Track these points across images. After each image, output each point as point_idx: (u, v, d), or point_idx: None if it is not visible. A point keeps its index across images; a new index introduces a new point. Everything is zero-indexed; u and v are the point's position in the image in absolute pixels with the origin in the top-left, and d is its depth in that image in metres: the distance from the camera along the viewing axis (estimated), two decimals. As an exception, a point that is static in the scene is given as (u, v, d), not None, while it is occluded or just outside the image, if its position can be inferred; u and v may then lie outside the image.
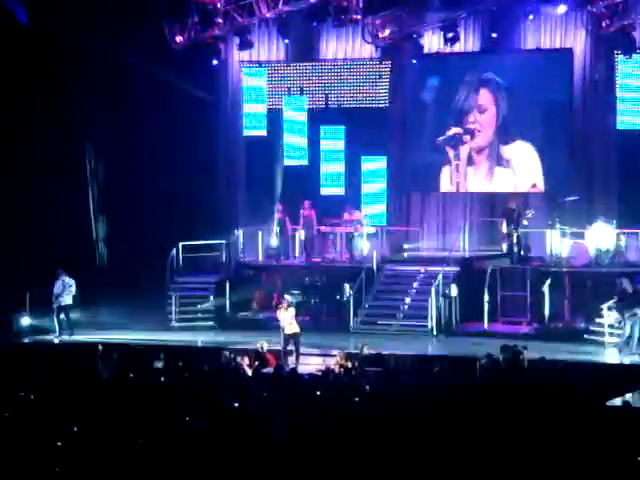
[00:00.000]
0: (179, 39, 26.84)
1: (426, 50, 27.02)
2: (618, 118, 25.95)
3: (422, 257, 26.69)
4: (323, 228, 27.04)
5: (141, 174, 28.25)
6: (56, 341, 23.78)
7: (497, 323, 24.15)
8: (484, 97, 26.91)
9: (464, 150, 27.11)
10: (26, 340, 23.88)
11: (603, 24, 24.45)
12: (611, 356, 21.26)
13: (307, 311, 24.63)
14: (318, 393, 16.19)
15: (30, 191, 26.58)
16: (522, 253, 25.29)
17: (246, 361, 20.30)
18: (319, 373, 19.05)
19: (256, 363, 20.29)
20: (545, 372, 17.75)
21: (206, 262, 27.09)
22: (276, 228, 27.44)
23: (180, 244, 26.37)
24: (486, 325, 23.93)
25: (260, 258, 28.00)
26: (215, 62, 27.88)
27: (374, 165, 28.26)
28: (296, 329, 21.42)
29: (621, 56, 25.35)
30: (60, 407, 14.91)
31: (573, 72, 26.32)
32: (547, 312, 23.70)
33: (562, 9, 24.59)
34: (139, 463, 12.34)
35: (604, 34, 24.90)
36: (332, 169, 28.52)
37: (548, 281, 23.67)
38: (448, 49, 26.65)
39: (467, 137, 27.00)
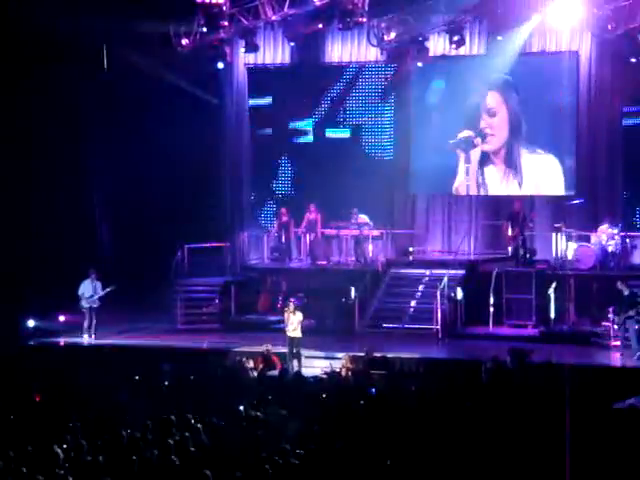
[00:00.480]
0: (184, 42, 26.78)
1: (432, 53, 26.97)
2: (624, 121, 25.98)
3: (427, 260, 26.66)
4: (328, 231, 27.02)
5: (146, 177, 28.23)
6: (86, 342, 23.76)
7: (502, 326, 24.14)
8: (493, 99, 26.79)
9: (475, 153, 26.96)
10: (31, 342, 23.85)
11: (609, 27, 24.40)
12: (617, 359, 21.23)
13: (312, 314, 24.59)
14: (324, 396, 16.21)
15: (34, 194, 26.58)
16: (527, 256, 25.29)
17: (251, 364, 20.32)
18: (324, 376, 19.07)
19: (261, 366, 20.30)
20: (551, 375, 17.71)
21: (211, 265, 27.08)
22: (281, 231, 27.47)
23: (185, 247, 26.38)
24: (491, 328, 23.92)
25: (265, 261, 28.03)
26: (220, 65, 27.88)
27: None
28: (298, 334, 21.39)
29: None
30: (64, 409, 14.93)
31: (579, 75, 26.27)
32: (552, 315, 23.68)
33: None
34: (146, 466, 12.35)
35: (610, 37, 24.85)
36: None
37: (554, 284, 23.66)
38: (454, 52, 26.62)
39: (478, 140, 26.86)
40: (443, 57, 27.12)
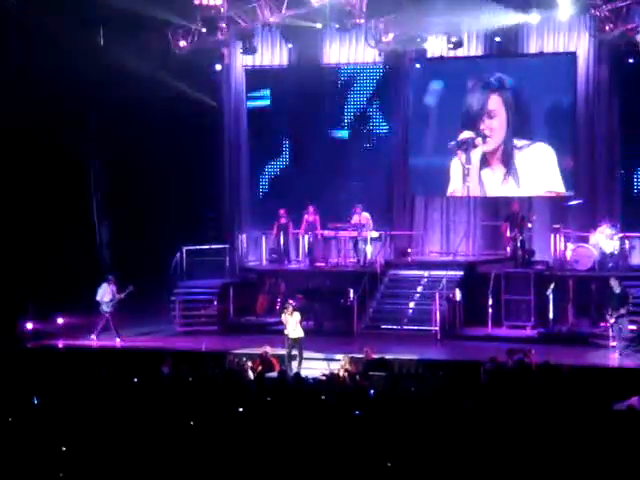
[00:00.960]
0: (182, 44, 26.86)
1: (430, 54, 27.00)
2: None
3: (426, 261, 26.66)
4: (327, 232, 27.02)
5: (144, 179, 28.21)
6: (119, 344, 23.81)
7: (501, 327, 24.14)
8: (492, 101, 26.76)
9: (476, 154, 26.94)
10: (30, 345, 23.84)
11: (607, 28, 24.43)
12: (615, 360, 21.24)
13: (311, 316, 24.57)
14: (323, 397, 16.20)
15: (33, 196, 26.54)
16: (526, 257, 25.30)
17: (250, 365, 20.31)
18: (324, 378, 19.05)
19: (260, 368, 20.29)
20: (550, 376, 17.72)
21: (210, 267, 27.08)
22: (280, 232, 27.48)
23: (184, 249, 26.38)
24: (490, 329, 23.92)
25: (264, 262, 28.04)
26: (218, 67, 27.89)
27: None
28: (300, 334, 21.42)
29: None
30: (65, 412, 14.91)
31: (577, 76, 26.28)
32: (551, 316, 23.66)
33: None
34: (143, 467, 12.34)
35: (607, 38, 24.87)
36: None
37: (552, 285, 23.64)
38: (452, 53, 26.64)
39: (479, 140, 26.82)
40: (441, 58, 27.14)
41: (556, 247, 25.11)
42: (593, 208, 26.12)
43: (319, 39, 28.08)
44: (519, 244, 25.21)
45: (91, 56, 27.07)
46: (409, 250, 27.11)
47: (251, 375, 19.77)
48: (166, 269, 26.13)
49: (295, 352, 21.32)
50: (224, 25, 26.45)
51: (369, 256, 26.55)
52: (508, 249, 25.60)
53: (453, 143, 27.03)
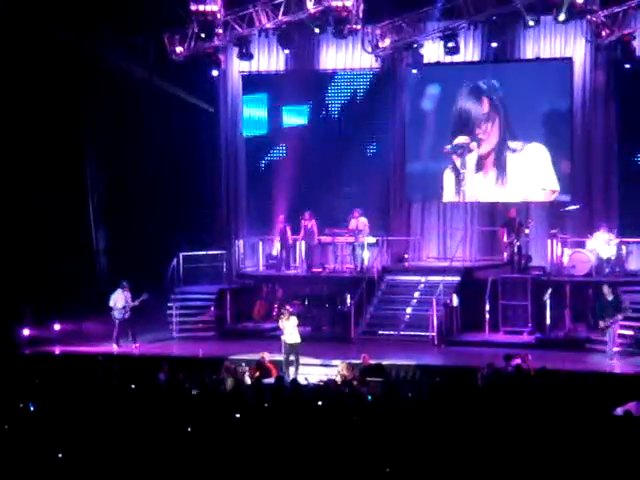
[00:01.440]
0: (179, 50, 26.88)
1: (426, 60, 27.01)
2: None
3: (423, 267, 26.66)
4: (324, 238, 27.01)
5: (141, 185, 28.24)
6: (136, 350, 23.76)
7: (498, 333, 24.14)
8: (487, 105, 26.83)
9: (471, 158, 26.99)
10: (26, 351, 23.80)
11: (603, 33, 24.45)
12: (612, 365, 21.23)
13: (308, 321, 24.56)
14: (319, 403, 16.18)
15: (30, 202, 26.53)
16: (523, 262, 25.30)
17: (247, 371, 20.30)
18: (321, 383, 19.04)
19: (257, 374, 20.28)
20: (548, 381, 17.72)
21: (207, 272, 27.06)
22: (277, 238, 27.48)
23: (181, 254, 26.36)
24: (487, 335, 23.92)
25: (261, 268, 28.03)
26: (215, 73, 27.90)
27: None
28: (297, 339, 21.41)
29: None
30: (61, 418, 14.88)
31: (573, 81, 26.32)
32: (548, 321, 23.67)
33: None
34: (139, 474, 12.32)
35: (604, 43, 24.89)
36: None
37: (549, 290, 23.65)
38: (448, 59, 26.68)
39: (474, 145, 26.90)
40: (438, 64, 27.17)
41: (553, 253, 25.10)
42: (590, 214, 26.15)
43: (315, 45, 28.12)
44: (516, 250, 25.21)
45: (89, 62, 27.16)
46: (406, 256, 27.11)
47: (248, 381, 19.77)
48: (163, 275, 26.10)
49: (292, 358, 21.31)
50: (221, 31, 26.47)
51: (366, 262, 26.53)
52: (505, 255, 25.60)
53: (449, 147, 27.09)
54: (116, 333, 23.96)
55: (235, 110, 29.21)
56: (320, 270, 26.96)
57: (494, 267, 25.71)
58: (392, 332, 24.50)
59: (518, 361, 18.84)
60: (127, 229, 27.99)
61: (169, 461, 12.61)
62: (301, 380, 19.67)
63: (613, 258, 24.35)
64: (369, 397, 16.96)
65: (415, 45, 26.47)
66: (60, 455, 12.94)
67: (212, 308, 26.02)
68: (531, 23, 24.50)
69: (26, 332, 24.36)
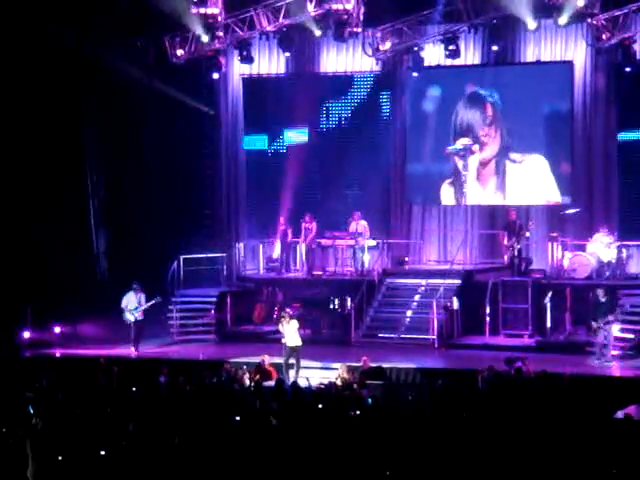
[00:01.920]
0: (179, 52, 26.91)
1: (427, 63, 27.02)
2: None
3: (423, 270, 26.65)
4: (324, 241, 27.00)
5: (142, 187, 28.26)
6: (134, 354, 23.73)
7: (499, 336, 24.12)
8: (488, 108, 26.82)
9: (473, 161, 26.97)
10: (27, 354, 23.79)
11: (603, 37, 24.46)
12: (612, 369, 21.23)
13: (308, 324, 24.54)
14: (320, 406, 16.19)
15: (31, 204, 26.54)
16: (523, 266, 25.29)
17: (247, 374, 20.29)
18: (321, 386, 19.03)
19: (257, 377, 20.27)
20: (549, 384, 17.71)
21: (207, 275, 27.05)
22: (277, 241, 27.47)
23: (181, 257, 26.35)
24: (488, 338, 23.91)
25: (261, 271, 28.02)
26: (215, 75, 27.90)
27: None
28: (298, 342, 21.39)
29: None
30: (62, 421, 14.89)
31: (574, 85, 26.33)
32: (548, 324, 23.67)
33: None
34: (140, 476, 12.33)
35: (604, 47, 24.91)
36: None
37: (549, 293, 23.64)
38: (449, 62, 26.68)
39: (476, 147, 26.87)
40: (438, 67, 27.18)
41: (553, 256, 25.09)
42: (590, 217, 26.14)
43: (316, 48, 28.14)
44: (516, 253, 25.20)
45: (89, 64, 27.18)
46: (406, 259, 27.08)
47: (247, 383, 19.76)
48: (163, 278, 26.08)
49: (292, 361, 21.30)
50: (221, 33, 26.51)
51: (366, 264, 26.52)
52: (505, 258, 25.59)
53: (450, 148, 27.09)
54: (134, 335, 23.91)
55: (235, 112, 29.22)
56: (321, 273, 26.95)
57: (494, 270, 25.70)
58: (392, 335, 24.48)
59: (519, 364, 18.84)
60: (127, 232, 28.00)
61: (169, 461, 12.62)
62: (302, 381, 19.70)
63: (613, 261, 24.32)
64: (369, 400, 16.94)
65: (416, 48, 26.51)
66: (60, 458, 12.96)
67: (212, 311, 25.98)
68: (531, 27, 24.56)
69: (26, 335, 24.35)
